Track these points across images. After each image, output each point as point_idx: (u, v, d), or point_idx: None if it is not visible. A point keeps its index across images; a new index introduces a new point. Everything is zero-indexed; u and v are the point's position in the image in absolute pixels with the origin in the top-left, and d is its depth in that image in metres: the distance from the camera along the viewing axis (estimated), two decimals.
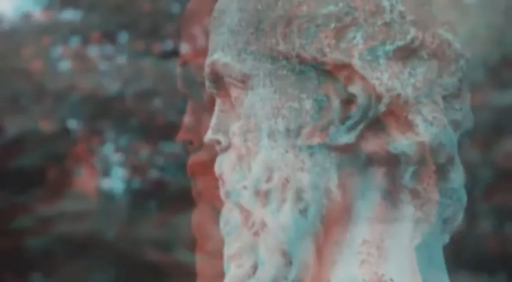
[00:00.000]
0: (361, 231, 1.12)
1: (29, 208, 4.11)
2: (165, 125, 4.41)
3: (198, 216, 1.29)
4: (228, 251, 1.13)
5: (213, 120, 1.17)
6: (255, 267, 1.11)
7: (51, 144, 4.42)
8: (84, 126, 4.64)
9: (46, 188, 4.24)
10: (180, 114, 1.35)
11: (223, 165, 1.16)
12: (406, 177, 1.13)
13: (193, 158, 1.30)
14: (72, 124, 4.69)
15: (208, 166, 1.20)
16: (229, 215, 1.14)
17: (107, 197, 4.42)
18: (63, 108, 4.59)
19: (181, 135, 1.32)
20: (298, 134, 1.12)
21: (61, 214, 4.02)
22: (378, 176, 1.13)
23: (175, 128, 1.32)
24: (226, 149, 1.16)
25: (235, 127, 1.15)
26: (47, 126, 4.52)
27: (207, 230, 1.25)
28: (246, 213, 1.13)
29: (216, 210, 1.20)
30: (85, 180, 4.38)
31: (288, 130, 1.12)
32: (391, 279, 1.10)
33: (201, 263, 1.26)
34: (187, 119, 1.32)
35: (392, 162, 1.13)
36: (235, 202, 1.14)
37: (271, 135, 1.13)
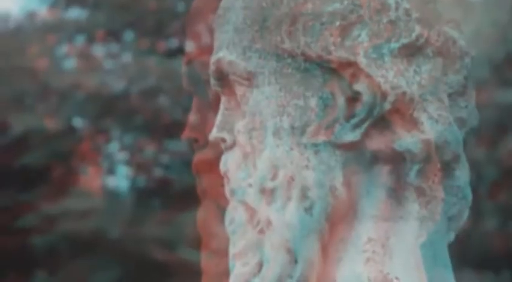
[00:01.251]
0: (366, 229, 1.12)
1: (34, 206, 4.12)
2: (170, 123, 4.41)
3: (203, 214, 1.29)
4: (233, 249, 1.13)
5: (218, 118, 1.17)
6: (260, 265, 1.11)
7: (56, 143, 4.42)
8: (89, 125, 4.64)
9: (51, 186, 4.25)
10: (185, 112, 1.35)
11: (228, 163, 1.16)
12: (411, 175, 1.13)
13: (198, 156, 1.30)
14: (77, 122, 4.69)
15: (213, 164, 1.20)
16: (234, 213, 1.14)
17: (112, 195, 4.42)
18: (68, 106, 4.60)
19: (187, 133, 1.32)
20: (303, 132, 1.12)
21: (66, 212, 4.03)
22: (383, 173, 1.13)
23: (181, 126, 1.32)
24: (231, 146, 1.16)
25: (240, 125, 1.15)
26: (51, 124, 4.53)
27: (212, 228, 1.25)
28: (251, 211, 1.13)
29: (221, 209, 1.20)
30: (90, 178, 4.38)
31: (293, 128, 1.12)
32: (396, 278, 1.10)
33: (205, 261, 1.26)
34: (192, 117, 1.32)
35: (397, 160, 1.13)
36: (240, 200, 1.14)
37: (276, 133, 1.13)
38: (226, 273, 1.14)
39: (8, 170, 4.31)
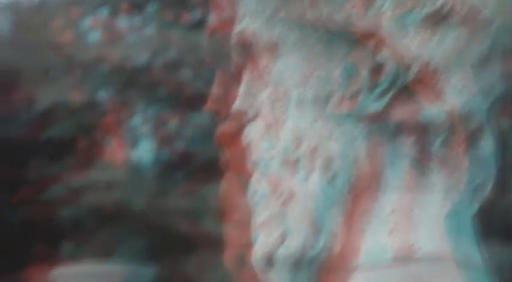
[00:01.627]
0: (390, 200, 1.12)
1: (60, 179, 4.15)
2: (193, 96, 4.41)
3: (226, 186, 1.29)
4: (256, 220, 1.14)
5: (241, 90, 1.17)
6: (283, 236, 1.12)
7: (81, 116, 4.44)
8: (113, 97, 4.66)
9: (76, 159, 4.27)
10: (208, 84, 1.35)
11: (252, 134, 1.16)
12: (436, 146, 1.12)
13: (221, 128, 1.30)
14: (102, 95, 4.71)
15: (236, 136, 1.20)
16: (258, 185, 1.14)
17: (136, 167, 4.44)
18: (93, 79, 4.61)
19: (210, 106, 1.32)
20: (326, 103, 1.12)
21: (91, 185, 4.06)
22: (407, 144, 1.12)
23: (204, 99, 1.32)
24: (255, 118, 1.16)
25: (263, 96, 1.15)
26: (76, 97, 4.54)
27: (235, 200, 1.25)
28: (274, 183, 1.13)
29: (244, 180, 1.20)
30: (114, 151, 4.40)
31: (316, 99, 1.12)
32: (420, 248, 1.10)
33: (229, 232, 1.27)
34: (215, 89, 1.32)
35: (421, 130, 1.12)
36: (264, 172, 1.14)
37: (299, 103, 1.13)
38: (250, 245, 1.14)
39: (35, 143, 4.34)
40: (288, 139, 1.12)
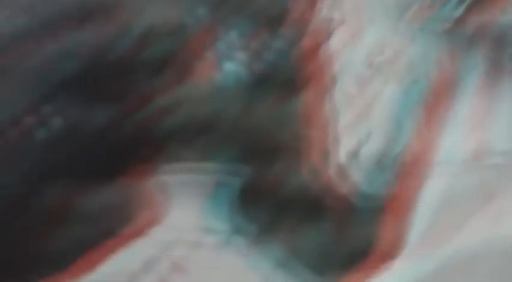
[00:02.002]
0: (465, 106, 1.15)
1: (155, 96, 4.24)
2: (276, 14, 4.41)
3: (307, 99, 1.33)
4: (335, 128, 1.18)
5: (321, 6, 1.20)
6: (361, 142, 1.16)
7: (173, 38, 4.51)
8: (203, 20, 4.69)
9: (168, 78, 4.36)
10: (288, 5, 1.38)
11: (333, 46, 1.19)
12: (507, 57, 1.15)
13: (301, 45, 1.33)
14: (191, 19, 4.75)
15: (315, 52, 1.24)
16: (338, 94, 1.18)
17: (223, 85, 4.49)
18: (183, 3, 4.65)
19: (291, 23, 1.35)
20: (404, 14, 1.15)
21: (183, 101, 4.14)
22: (480, 55, 1.15)
23: (286, 16, 1.35)
24: (334, 31, 1.19)
25: (343, 9, 1.17)
26: (168, 20, 4.60)
27: (316, 111, 1.30)
28: (355, 91, 1.17)
29: (324, 93, 1.24)
30: (203, 70, 4.47)
31: (395, 10, 1.15)
32: (495, 151, 1.13)
33: (309, 140, 1.31)
34: (295, 9, 1.34)
35: (494, 41, 1.14)
36: (344, 80, 1.18)
37: (379, 15, 1.16)
38: (329, 151, 1.18)
39: (132, 64, 4.42)
40: (368, 48, 1.16)
